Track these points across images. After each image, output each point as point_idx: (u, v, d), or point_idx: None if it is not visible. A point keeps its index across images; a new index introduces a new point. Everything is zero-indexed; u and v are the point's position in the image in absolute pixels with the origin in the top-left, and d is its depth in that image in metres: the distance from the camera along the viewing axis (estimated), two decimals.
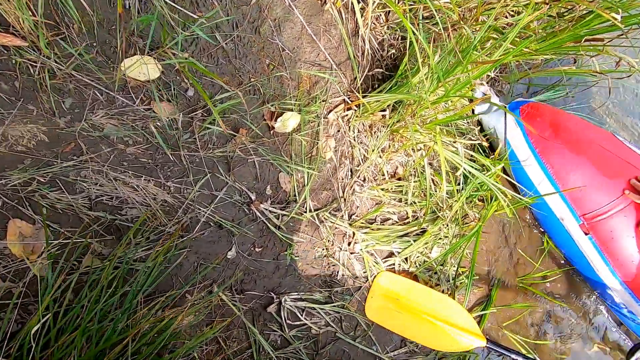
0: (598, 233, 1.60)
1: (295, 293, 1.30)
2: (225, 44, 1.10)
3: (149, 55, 0.96)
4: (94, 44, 0.94)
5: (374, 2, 1.13)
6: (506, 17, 1.49)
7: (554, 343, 1.75)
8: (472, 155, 1.66)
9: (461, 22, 1.29)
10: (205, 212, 1.09)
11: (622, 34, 1.47)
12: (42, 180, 0.88)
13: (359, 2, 1.22)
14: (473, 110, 1.73)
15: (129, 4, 0.92)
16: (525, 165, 1.65)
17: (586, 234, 1.63)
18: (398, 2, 1.23)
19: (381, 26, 1.31)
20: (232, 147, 1.13)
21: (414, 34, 1.11)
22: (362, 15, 1.23)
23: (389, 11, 1.31)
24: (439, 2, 1.23)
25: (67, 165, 0.90)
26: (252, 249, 1.22)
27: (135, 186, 0.98)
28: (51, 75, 0.86)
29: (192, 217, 1.07)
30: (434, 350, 1.50)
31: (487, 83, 1.81)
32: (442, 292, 1.58)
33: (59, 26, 0.88)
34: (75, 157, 0.92)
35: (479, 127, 1.76)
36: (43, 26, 0.80)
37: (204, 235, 1.10)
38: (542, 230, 1.82)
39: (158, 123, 1.02)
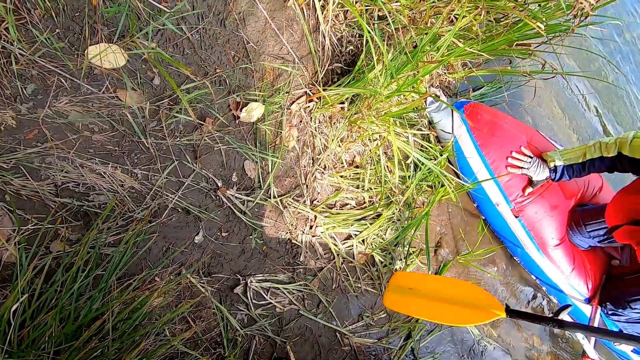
0: (525, 215, 1.85)
1: (261, 274, 1.38)
2: (191, 35, 1.13)
3: (116, 44, 0.97)
4: (57, 30, 0.94)
5: (334, 1, 1.22)
6: (451, 22, 1.65)
7: None
8: (422, 145, 1.83)
9: (410, 26, 1.42)
10: (173, 199, 1.13)
11: (546, 41, 1.70)
12: (5, 166, 0.87)
13: (319, 0, 1.30)
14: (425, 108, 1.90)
15: None
16: (467, 157, 1.85)
17: (516, 216, 1.87)
18: (355, 3, 1.32)
19: (340, 24, 1.41)
20: (198, 135, 1.17)
21: (369, 32, 1.22)
22: (322, 13, 1.31)
23: (347, 10, 1.41)
24: (391, 6, 1.34)
25: (31, 151, 0.90)
26: (218, 233, 1.27)
27: (102, 173, 0.99)
28: (15, 60, 0.85)
29: (160, 203, 1.11)
30: (387, 322, 1.66)
31: (437, 83, 1.99)
32: (395, 270, 1.75)
33: (19, 10, 0.87)
34: (40, 144, 0.92)
35: (428, 122, 1.93)
36: (10, 11, 0.80)
37: (171, 220, 1.14)
38: (481, 214, 2.05)
39: (124, 111, 1.03)
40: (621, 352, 2.07)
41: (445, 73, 2.05)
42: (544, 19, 1.57)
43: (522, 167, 1.77)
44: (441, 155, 1.83)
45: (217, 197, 1.25)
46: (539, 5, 1.65)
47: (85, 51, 0.95)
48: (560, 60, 1.63)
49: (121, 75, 1.03)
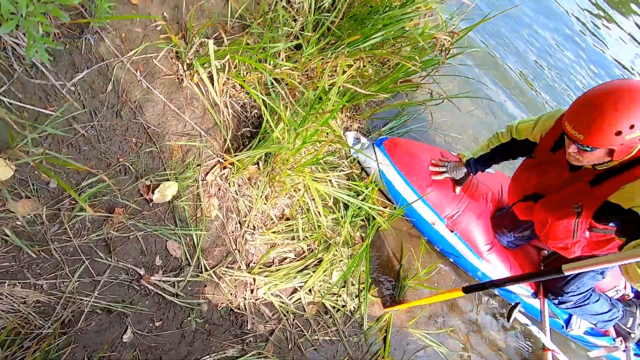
0: (459, 228, 1.99)
1: (207, 356, 1.30)
2: (86, 131, 1.13)
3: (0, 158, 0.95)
4: None
5: (221, 78, 1.31)
6: (344, 72, 1.84)
7: (452, 328, 2.04)
8: (348, 185, 1.92)
9: (305, 81, 1.57)
10: (89, 301, 1.06)
11: (426, 75, 1.95)
12: None
13: (211, 79, 1.38)
14: (351, 149, 2.05)
15: None
16: (396, 186, 1.98)
17: (452, 231, 2.00)
18: (246, 74, 1.43)
19: (238, 93, 1.50)
20: (109, 227, 1.14)
21: (263, 99, 1.31)
22: (214, 88, 1.39)
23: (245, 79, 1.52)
24: (282, 70, 1.47)
25: None
26: (151, 324, 1.20)
27: None
28: None
29: (73, 310, 1.03)
30: None
31: (350, 126, 2.15)
32: (351, 311, 1.74)
33: None
34: None
35: (349, 159, 2.05)
36: None
37: (91, 325, 1.06)
38: (422, 235, 2.16)
39: (18, 222, 0.98)
40: (576, 337, 2.19)
41: (354, 115, 2.22)
42: (417, 58, 1.82)
43: (442, 171, 1.95)
44: (367, 189, 1.94)
45: (142, 286, 1.19)
46: (412, 48, 1.92)
47: None
48: (443, 86, 1.88)
49: (11, 186, 0.99)
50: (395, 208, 2.03)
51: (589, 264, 1.16)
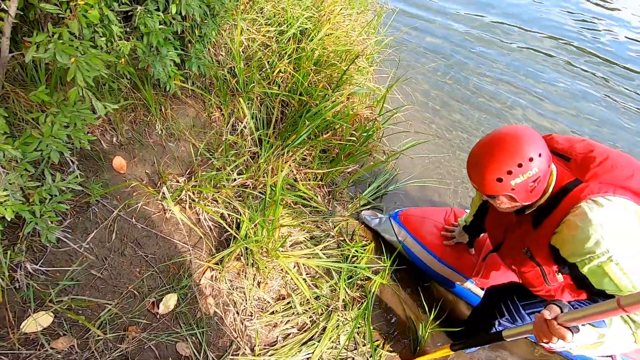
0: (489, 284, 2.03)
1: None
2: (101, 274, 1.53)
3: (40, 312, 1.34)
4: None
5: (188, 206, 1.72)
6: (278, 172, 2.21)
7: None
8: (340, 252, 2.14)
9: (254, 191, 1.94)
10: None
11: (374, 141, 2.28)
12: None
13: (184, 208, 1.80)
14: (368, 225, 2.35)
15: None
16: (417, 254, 2.19)
17: (483, 289, 2.08)
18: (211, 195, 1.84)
19: (216, 207, 1.89)
20: (126, 344, 1.45)
21: (222, 213, 1.68)
22: (189, 214, 1.79)
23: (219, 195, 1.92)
24: (235, 183, 1.86)
25: None
26: None
27: None
28: None
29: None
30: None
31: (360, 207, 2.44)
32: None
33: None
34: None
35: (336, 229, 2.28)
36: None
37: None
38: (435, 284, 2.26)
39: (59, 356, 1.32)
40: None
41: (335, 188, 2.53)
42: (355, 133, 2.18)
43: (452, 237, 2.13)
44: (357, 250, 2.15)
45: None
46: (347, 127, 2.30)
47: (21, 325, 1.30)
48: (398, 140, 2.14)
49: (52, 329, 1.36)
50: (390, 263, 2.14)
51: (523, 332, 1.23)
